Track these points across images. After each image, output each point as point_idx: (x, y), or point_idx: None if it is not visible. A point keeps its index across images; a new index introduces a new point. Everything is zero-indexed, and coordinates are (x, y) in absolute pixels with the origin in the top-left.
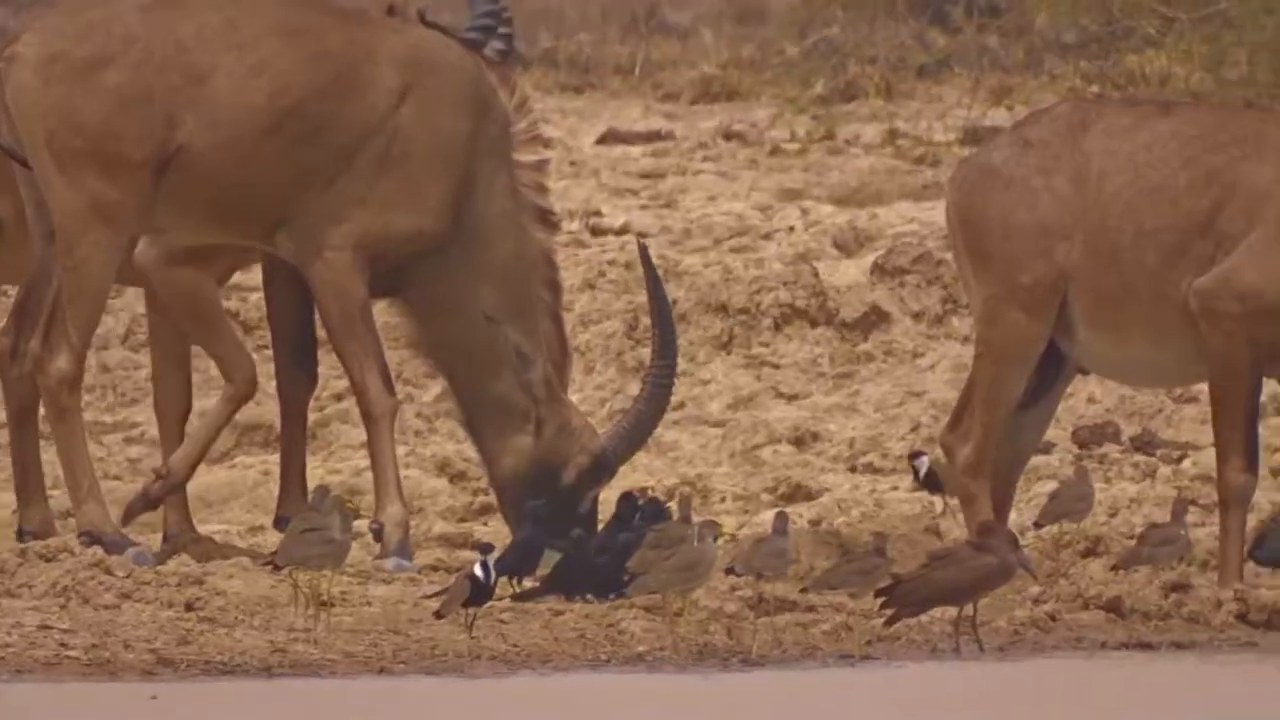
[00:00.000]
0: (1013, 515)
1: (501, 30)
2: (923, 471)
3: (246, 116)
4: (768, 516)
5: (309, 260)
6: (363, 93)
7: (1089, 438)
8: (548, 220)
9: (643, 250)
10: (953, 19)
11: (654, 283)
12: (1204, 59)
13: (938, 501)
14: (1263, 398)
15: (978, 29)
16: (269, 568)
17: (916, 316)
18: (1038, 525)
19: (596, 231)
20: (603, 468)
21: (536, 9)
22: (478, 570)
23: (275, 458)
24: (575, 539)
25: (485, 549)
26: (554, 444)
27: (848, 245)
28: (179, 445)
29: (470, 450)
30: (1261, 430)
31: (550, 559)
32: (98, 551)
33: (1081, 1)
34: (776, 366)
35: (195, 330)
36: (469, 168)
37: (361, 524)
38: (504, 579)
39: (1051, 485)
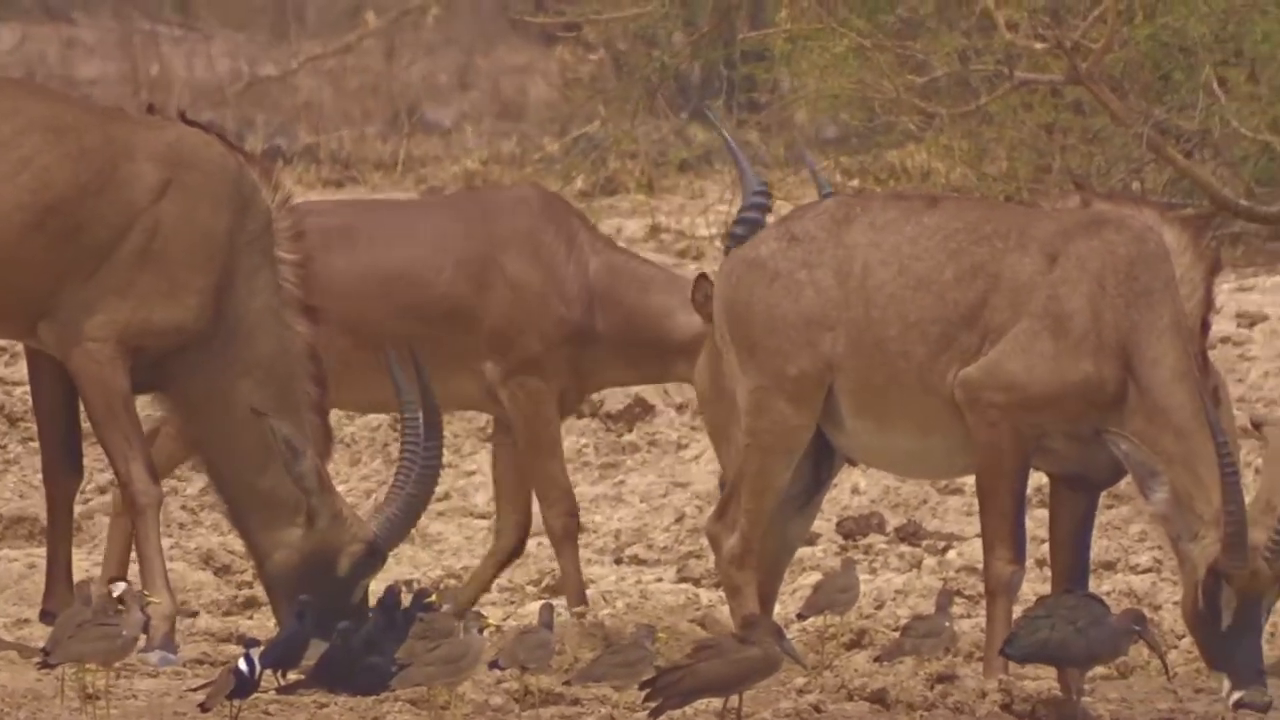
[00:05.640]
0: (777, 608)
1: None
2: None
3: (9, 213)
4: (533, 608)
5: (70, 352)
6: (121, 189)
7: (854, 529)
8: (312, 315)
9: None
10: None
11: (419, 369)
12: (965, 154)
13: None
14: (1028, 489)
15: (737, 124)
16: (37, 662)
17: (680, 408)
18: (801, 617)
19: None
20: (376, 555)
21: (298, 104)
22: (242, 664)
23: (41, 550)
24: (340, 631)
25: (250, 643)
26: (326, 534)
27: None
28: None
29: (236, 543)
30: (1027, 521)
31: (317, 651)
32: None
33: (841, 97)
34: None
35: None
36: (230, 263)
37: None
38: (269, 671)
39: (816, 576)
